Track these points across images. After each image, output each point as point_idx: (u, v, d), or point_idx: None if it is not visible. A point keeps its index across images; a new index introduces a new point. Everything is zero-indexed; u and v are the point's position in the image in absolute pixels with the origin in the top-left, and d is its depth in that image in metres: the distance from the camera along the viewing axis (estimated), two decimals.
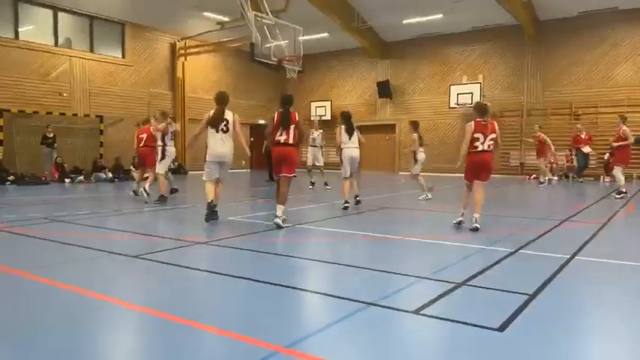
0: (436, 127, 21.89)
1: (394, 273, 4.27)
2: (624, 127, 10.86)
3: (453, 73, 21.41)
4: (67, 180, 15.33)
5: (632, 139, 10.88)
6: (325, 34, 21.11)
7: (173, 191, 10.70)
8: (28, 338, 2.76)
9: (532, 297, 3.48)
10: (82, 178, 15.73)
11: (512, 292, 3.63)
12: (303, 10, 17.86)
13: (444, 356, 2.63)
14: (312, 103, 24.58)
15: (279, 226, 6.52)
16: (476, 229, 6.28)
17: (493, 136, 6.45)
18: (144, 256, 4.78)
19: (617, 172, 10.97)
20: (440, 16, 18.82)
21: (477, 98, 19.92)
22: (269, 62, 16.78)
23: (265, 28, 16.55)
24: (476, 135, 6.40)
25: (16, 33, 15.99)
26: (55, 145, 15.75)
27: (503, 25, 19.60)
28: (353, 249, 5.60)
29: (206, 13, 18.31)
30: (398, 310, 3.22)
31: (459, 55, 21.30)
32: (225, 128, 7.23)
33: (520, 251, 5.10)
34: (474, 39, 20.75)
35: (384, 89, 22.70)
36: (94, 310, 3.28)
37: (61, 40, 17.19)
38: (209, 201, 7.08)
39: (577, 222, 7.40)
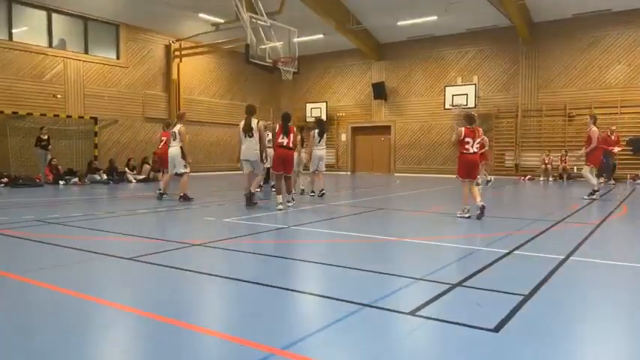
0: (431, 128, 21.97)
1: (390, 274, 4.27)
2: (594, 128, 10.47)
3: (447, 75, 21.49)
4: (61, 182, 15.25)
5: (595, 143, 10.45)
6: (320, 36, 21.13)
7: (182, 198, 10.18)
8: (20, 341, 2.73)
9: (527, 298, 3.49)
10: (76, 179, 15.65)
11: (508, 292, 3.63)
12: (298, 11, 17.88)
13: (439, 357, 2.62)
14: (307, 105, 24.60)
15: (281, 209, 8.32)
16: (484, 207, 7.48)
17: (479, 140, 7.77)
18: (139, 258, 4.76)
19: (586, 172, 10.69)
20: (434, 17, 18.88)
21: (471, 99, 20.04)
22: (264, 64, 16.80)
23: (260, 29, 16.58)
24: (466, 139, 7.62)
25: (10, 34, 15.91)
26: (50, 147, 15.67)
27: (498, 26, 19.69)
28: (348, 250, 5.59)
29: (201, 15, 18.28)
30: (394, 311, 3.22)
31: (453, 57, 21.38)
32: (250, 134, 8.83)
33: (515, 252, 5.11)
34: (469, 40, 20.83)
35: (379, 90, 22.73)
36: (88, 313, 3.25)
37: (55, 42, 17.12)
38: (245, 193, 9.03)
39: (572, 223, 7.43)
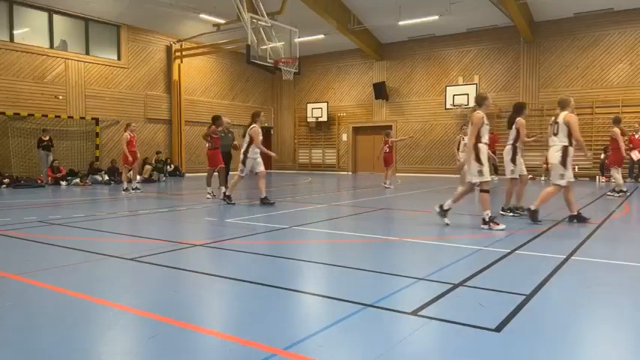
0: (432, 128, 21.96)
1: (391, 274, 4.27)
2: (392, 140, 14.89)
3: (448, 74, 21.47)
4: (62, 182, 15.28)
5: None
6: (321, 36, 21.14)
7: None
8: (22, 342, 2.74)
9: (529, 297, 3.49)
10: (78, 180, 15.68)
11: (509, 292, 3.63)
12: (299, 12, 17.89)
13: (441, 357, 2.62)
14: (308, 105, 24.60)
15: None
16: None
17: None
18: (140, 258, 4.76)
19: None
20: (435, 17, 18.88)
21: (472, 99, 20.03)
22: (265, 64, 16.83)
23: (261, 30, 16.60)
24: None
25: (11, 35, 15.95)
26: (52, 148, 15.70)
27: (499, 26, 19.68)
28: (350, 250, 5.59)
29: (202, 15, 18.29)
30: (395, 311, 3.22)
31: (454, 57, 21.36)
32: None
33: (516, 252, 5.11)
34: (470, 40, 20.82)
35: (380, 90, 22.73)
36: (90, 314, 3.26)
37: (56, 43, 17.15)
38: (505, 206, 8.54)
39: (573, 222, 7.42)
